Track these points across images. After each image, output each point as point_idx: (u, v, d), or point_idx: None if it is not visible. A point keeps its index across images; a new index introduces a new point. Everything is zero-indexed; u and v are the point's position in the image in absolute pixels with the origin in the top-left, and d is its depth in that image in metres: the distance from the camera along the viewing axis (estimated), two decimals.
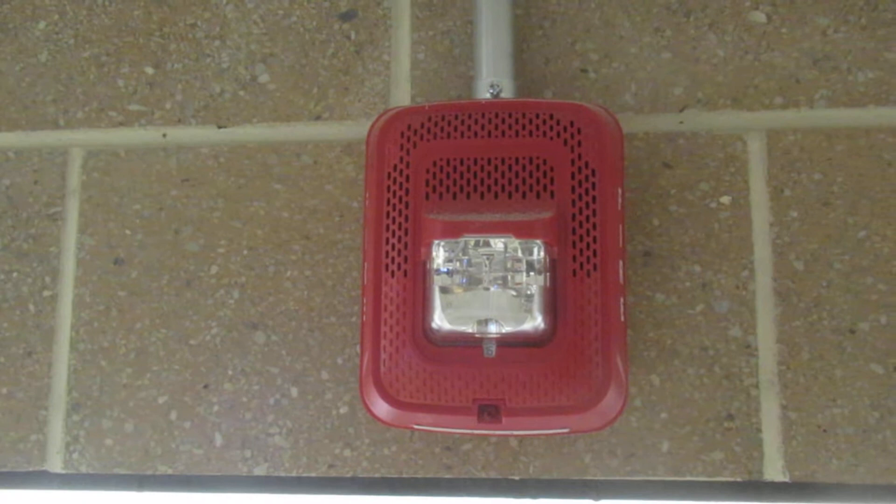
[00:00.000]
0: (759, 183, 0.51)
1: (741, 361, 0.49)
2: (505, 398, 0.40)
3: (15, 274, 0.54)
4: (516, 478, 0.49)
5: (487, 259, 0.39)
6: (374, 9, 0.54)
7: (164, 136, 0.54)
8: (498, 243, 0.39)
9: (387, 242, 0.42)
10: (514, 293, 0.39)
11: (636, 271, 0.50)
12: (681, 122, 0.51)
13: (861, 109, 0.50)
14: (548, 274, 0.40)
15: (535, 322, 0.39)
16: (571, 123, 0.41)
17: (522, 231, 0.39)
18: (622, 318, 0.42)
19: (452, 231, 0.39)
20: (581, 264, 0.40)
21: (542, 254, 0.40)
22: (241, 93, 0.54)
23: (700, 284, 0.50)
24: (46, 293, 0.53)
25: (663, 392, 0.49)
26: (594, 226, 0.41)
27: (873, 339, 0.49)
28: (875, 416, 0.48)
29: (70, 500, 0.52)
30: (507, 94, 0.48)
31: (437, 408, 0.40)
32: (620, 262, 0.42)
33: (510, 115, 0.42)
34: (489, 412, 0.40)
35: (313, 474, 0.50)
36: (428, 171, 0.42)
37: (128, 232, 0.53)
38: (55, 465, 0.52)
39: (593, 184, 0.41)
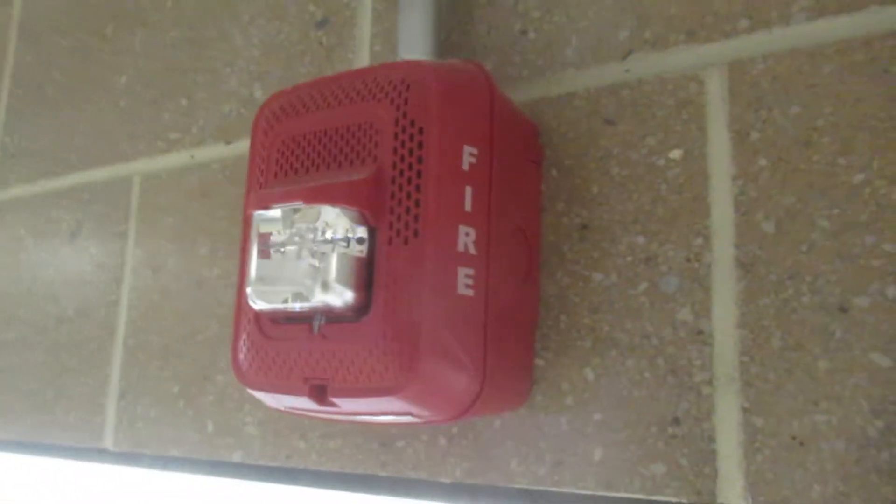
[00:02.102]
0: (719, 128, 0.40)
1: (691, 352, 0.39)
2: (329, 377, 0.37)
3: (97, 284, 0.65)
4: (446, 480, 0.45)
5: (299, 232, 0.38)
6: (343, 12, 0.55)
7: (192, 157, 0.61)
8: (317, 215, 0.38)
9: (248, 224, 0.42)
10: (314, 264, 0.36)
11: (571, 248, 0.43)
12: (626, 71, 0.43)
13: (857, 14, 0.38)
14: (359, 243, 0.37)
15: (336, 293, 0.36)
16: (402, 81, 0.38)
17: (314, 197, 0.36)
18: (460, 292, 0.36)
19: (259, 204, 0.38)
20: (398, 231, 0.36)
21: (350, 221, 0.37)
22: (242, 110, 0.59)
23: (643, 259, 0.41)
24: (111, 297, 0.64)
25: (598, 389, 0.41)
26: (417, 188, 0.36)
27: (875, 320, 0.35)
28: (878, 425, 0.34)
29: (117, 476, 0.61)
30: None
31: (278, 387, 0.39)
32: (462, 228, 0.37)
33: (350, 84, 0.40)
34: (317, 392, 0.38)
35: (276, 464, 0.52)
36: (278, 151, 0.41)
37: (162, 243, 0.61)
38: (107, 443, 0.61)
39: (420, 143, 0.37)
